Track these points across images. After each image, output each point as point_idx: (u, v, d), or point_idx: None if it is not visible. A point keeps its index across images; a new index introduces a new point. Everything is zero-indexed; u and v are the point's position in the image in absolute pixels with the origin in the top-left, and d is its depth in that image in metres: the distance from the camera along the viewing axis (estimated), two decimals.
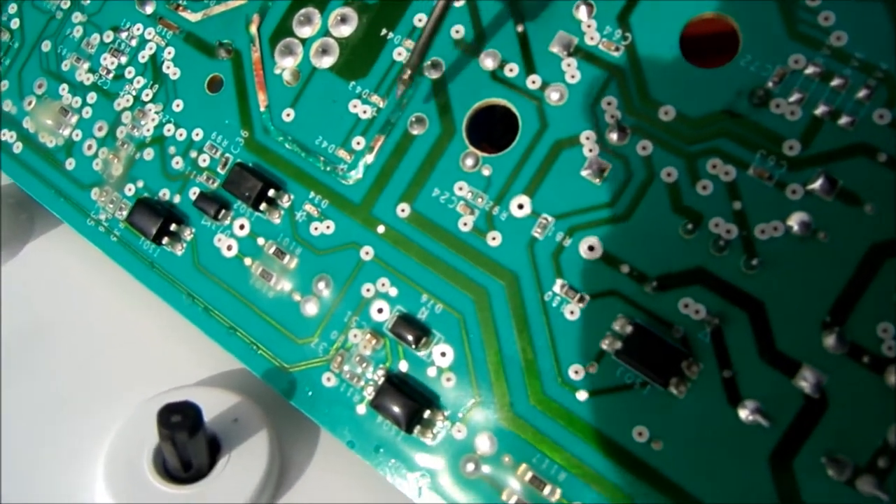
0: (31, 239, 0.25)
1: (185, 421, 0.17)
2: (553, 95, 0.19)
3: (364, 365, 0.19)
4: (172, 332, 0.22)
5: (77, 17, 0.25)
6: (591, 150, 0.18)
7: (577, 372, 0.18)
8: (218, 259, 0.21)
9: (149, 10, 0.23)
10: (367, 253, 0.20)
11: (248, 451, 0.19)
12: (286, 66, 0.21)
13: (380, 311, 0.19)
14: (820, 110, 0.17)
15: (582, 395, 0.18)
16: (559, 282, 0.18)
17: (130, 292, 0.23)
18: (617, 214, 0.18)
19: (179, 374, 0.22)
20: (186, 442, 0.17)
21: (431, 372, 0.19)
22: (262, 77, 0.22)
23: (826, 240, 0.16)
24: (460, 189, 0.19)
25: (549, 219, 0.18)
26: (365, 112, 0.20)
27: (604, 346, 0.17)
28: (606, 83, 0.18)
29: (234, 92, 0.22)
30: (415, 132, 0.20)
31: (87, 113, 0.24)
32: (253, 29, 0.22)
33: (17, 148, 0.25)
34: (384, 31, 0.21)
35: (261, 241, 0.21)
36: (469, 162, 0.19)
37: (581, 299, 0.18)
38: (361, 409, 0.19)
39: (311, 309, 0.20)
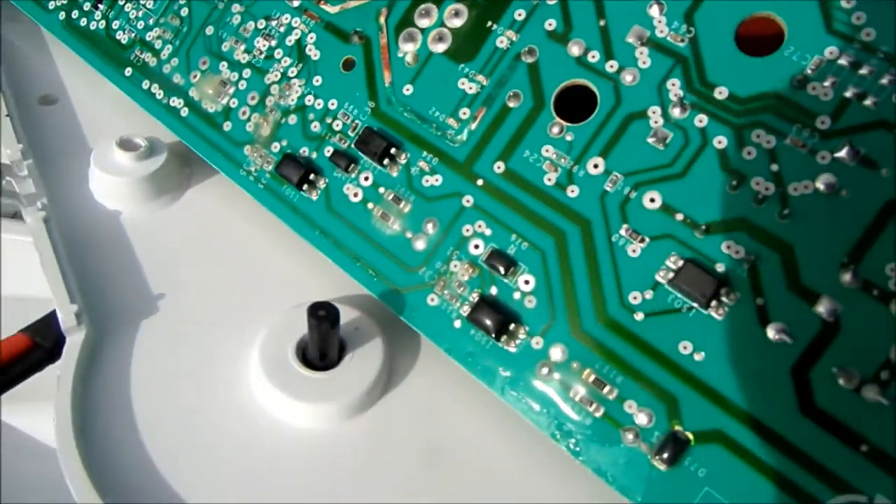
0: (190, 187, 0.31)
1: (329, 315, 0.22)
2: (627, 77, 0.23)
3: (462, 289, 0.24)
4: (306, 260, 0.27)
5: (236, 7, 0.30)
6: (656, 122, 0.22)
7: (635, 298, 0.22)
8: (346, 203, 0.26)
9: (296, 3, 0.29)
10: (467, 201, 0.25)
11: (366, 353, 0.24)
12: (408, 50, 0.26)
13: (476, 247, 0.24)
14: (849, 93, 0.20)
15: (639, 316, 0.22)
16: (624, 226, 0.22)
17: (272, 230, 0.28)
18: (675, 173, 0.22)
19: (312, 293, 0.27)
20: (327, 332, 0.22)
21: (517, 296, 0.23)
22: (387, 59, 0.27)
23: (848, 196, 0.20)
24: (546, 151, 0.24)
25: (619, 176, 0.23)
26: (471, 88, 0.25)
27: (658, 278, 0.22)
28: (672, 68, 0.23)
29: (364, 71, 0.27)
30: (511, 105, 0.24)
31: (243, 85, 0.29)
32: (381, 20, 0.27)
33: (184, 112, 0.30)
34: (489, 24, 0.25)
35: (381, 189, 0.26)
36: (555, 130, 0.24)
37: (642, 240, 0.22)
38: (458, 323, 0.24)
39: (420, 245, 0.25)
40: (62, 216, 0.28)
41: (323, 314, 0.22)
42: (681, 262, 0.21)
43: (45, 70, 0.36)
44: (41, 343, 0.25)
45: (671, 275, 0.21)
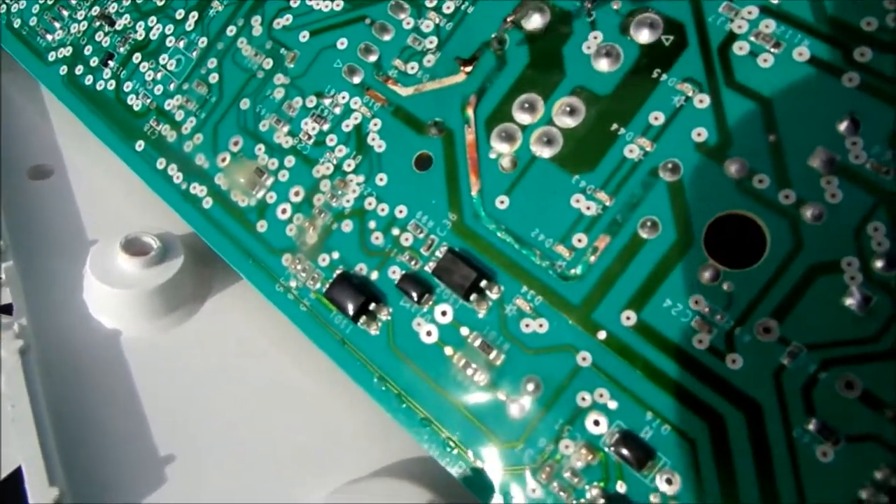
0: (210, 296, 0.25)
1: None
2: (809, 213, 0.17)
3: (577, 480, 0.18)
4: (357, 410, 0.21)
5: (279, 78, 0.25)
6: (853, 278, 0.17)
7: None
8: (416, 344, 0.20)
9: (356, 79, 0.23)
10: (584, 359, 0.19)
11: None
12: (503, 151, 0.21)
13: (596, 423, 0.18)
14: None
15: None
16: (810, 419, 0.17)
17: (316, 362, 0.22)
18: (881, 351, 0.16)
19: (364, 455, 0.21)
20: None
21: (654, 499, 0.17)
22: (475, 160, 0.21)
23: None
24: (696, 303, 0.18)
25: (801, 347, 0.17)
26: (589, 208, 0.19)
27: (863, 496, 0.16)
28: (874, 208, 0.17)
29: (444, 172, 0.21)
30: (646, 236, 0.19)
31: (284, 176, 0.23)
32: (469, 110, 0.21)
33: (207, 203, 0.24)
34: (615, 126, 0.20)
35: (464, 331, 0.20)
36: (707, 275, 0.18)
37: (836, 441, 0.16)
38: None
39: (516, 411, 0.19)
40: (45, 341, 0.22)
41: None
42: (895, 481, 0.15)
43: (40, 135, 0.30)
44: None
45: (883, 497, 0.15)
